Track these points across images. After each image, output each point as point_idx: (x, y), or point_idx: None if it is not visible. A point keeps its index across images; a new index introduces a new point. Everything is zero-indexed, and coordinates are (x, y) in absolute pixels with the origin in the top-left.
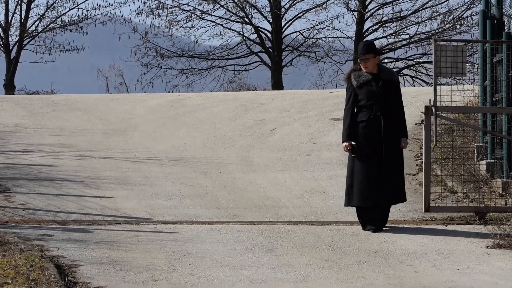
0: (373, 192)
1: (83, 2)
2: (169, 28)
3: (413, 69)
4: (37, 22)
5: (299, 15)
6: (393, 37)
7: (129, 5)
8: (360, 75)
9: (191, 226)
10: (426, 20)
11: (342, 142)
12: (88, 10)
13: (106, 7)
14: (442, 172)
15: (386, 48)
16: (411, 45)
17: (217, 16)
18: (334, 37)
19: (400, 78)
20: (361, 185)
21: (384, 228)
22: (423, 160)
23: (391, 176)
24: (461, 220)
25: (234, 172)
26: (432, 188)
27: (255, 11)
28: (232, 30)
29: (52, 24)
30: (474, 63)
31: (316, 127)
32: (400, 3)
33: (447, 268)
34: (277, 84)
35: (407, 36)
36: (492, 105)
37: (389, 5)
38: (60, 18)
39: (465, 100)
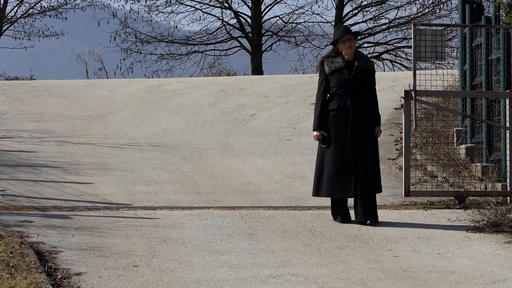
0: (342, 183)
1: None
2: (149, 13)
3: (392, 54)
4: (16, 8)
5: (278, 0)
6: (372, 21)
7: None
8: (333, 62)
9: (171, 212)
10: (406, 4)
11: (313, 130)
12: None
13: None
14: (422, 157)
15: (365, 32)
16: (391, 29)
17: (196, 1)
18: (313, 22)
19: (380, 63)
20: (330, 176)
21: (368, 222)
22: (403, 145)
23: (363, 166)
24: (441, 204)
25: (214, 157)
26: (412, 173)
27: None
28: (212, 15)
29: (31, 10)
30: (454, 47)
31: (296, 112)
32: None
33: (427, 252)
34: (257, 69)
35: (387, 21)
36: (471, 90)
37: None
38: (39, 3)
39: (445, 85)
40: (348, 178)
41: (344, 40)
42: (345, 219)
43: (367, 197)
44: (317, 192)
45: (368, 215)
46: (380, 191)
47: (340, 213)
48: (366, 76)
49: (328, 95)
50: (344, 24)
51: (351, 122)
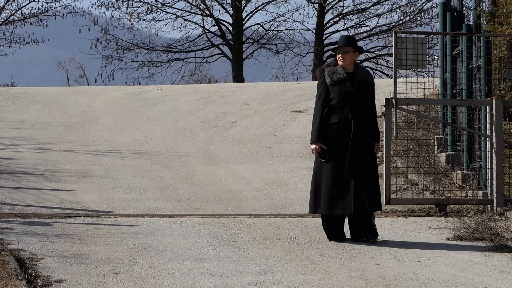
0: (341, 200)
1: None
2: (130, 21)
3: (373, 62)
4: None
5: (259, 7)
6: (353, 29)
7: None
8: (335, 72)
9: (152, 219)
10: (387, 12)
11: (311, 144)
12: (48, 3)
13: (66, 0)
14: (403, 164)
15: None
16: (372, 37)
17: (177, 9)
18: (294, 30)
19: None
20: (329, 192)
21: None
22: (384, 152)
23: (363, 183)
24: (421, 212)
25: (195, 165)
26: (392, 180)
27: (216, 3)
28: (193, 22)
29: (12, 17)
30: (434, 55)
31: (277, 119)
32: None
33: (408, 260)
34: (238, 77)
35: (368, 29)
36: (452, 97)
37: None
38: (20, 10)
39: (426, 92)
40: (347, 194)
41: (339, 51)
42: (342, 238)
43: (365, 215)
44: (314, 209)
45: (365, 234)
46: (380, 209)
47: (337, 232)
48: (366, 90)
49: (327, 108)
50: (326, 32)
51: (353, 136)
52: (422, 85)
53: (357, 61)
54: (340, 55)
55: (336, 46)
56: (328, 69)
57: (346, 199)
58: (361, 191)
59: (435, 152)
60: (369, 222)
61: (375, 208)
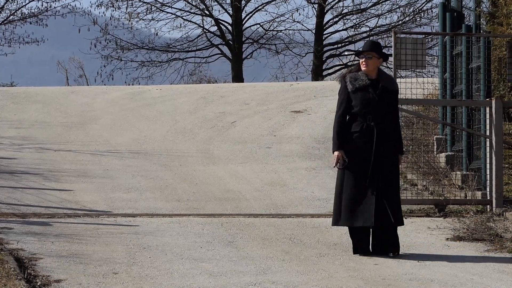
0: (362, 211)
1: None
2: (129, 20)
3: None
4: None
5: (259, 8)
6: (353, 29)
7: None
8: (357, 79)
9: (151, 219)
10: (386, 12)
11: (333, 152)
12: (47, 2)
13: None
14: (402, 165)
15: (346, 40)
16: (371, 37)
17: (177, 8)
18: (294, 30)
19: None
20: (350, 203)
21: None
22: None
23: (386, 194)
24: (420, 212)
25: (195, 165)
26: None
27: (215, 3)
28: (192, 22)
29: (11, 16)
30: (434, 55)
31: (277, 119)
32: None
33: (407, 260)
34: (238, 77)
35: (367, 29)
36: (451, 98)
37: None
38: (19, 10)
39: (425, 93)
40: (369, 205)
41: (362, 56)
42: (366, 252)
43: (388, 229)
44: (336, 221)
45: (390, 247)
46: (402, 223)
47: (362, 246)
48: (390, 98)
49: (349, 116)
50: (325, 32)
51: (375, 145)
52: (422, 85)
53: (381, 68)
54: (363, 60)
55: (360, 50)
56: (350, 75)
57: (367, 210)
58: (385, 202)
59: (435, 152)
60: (393, 235)
61: (399, 222)
